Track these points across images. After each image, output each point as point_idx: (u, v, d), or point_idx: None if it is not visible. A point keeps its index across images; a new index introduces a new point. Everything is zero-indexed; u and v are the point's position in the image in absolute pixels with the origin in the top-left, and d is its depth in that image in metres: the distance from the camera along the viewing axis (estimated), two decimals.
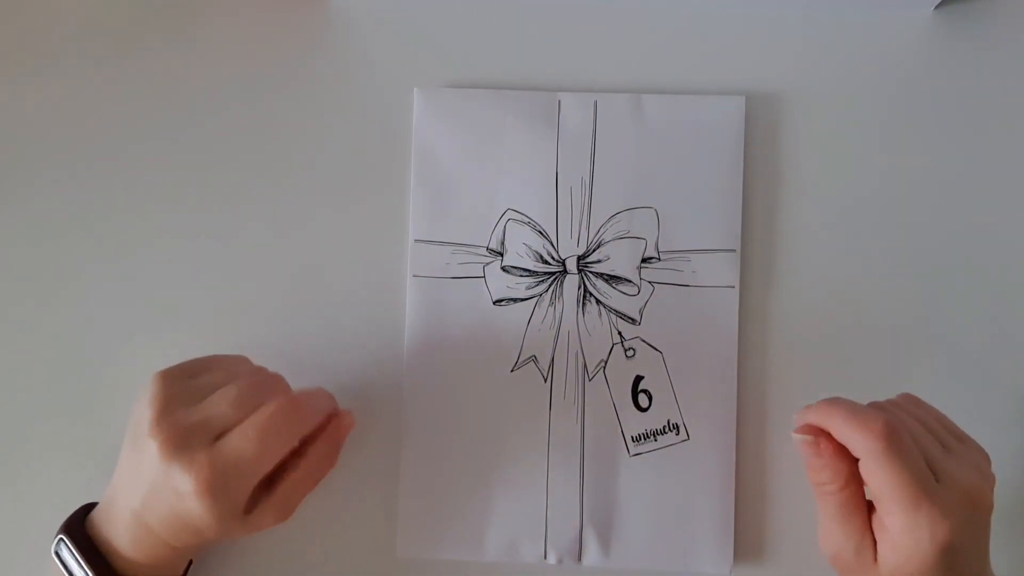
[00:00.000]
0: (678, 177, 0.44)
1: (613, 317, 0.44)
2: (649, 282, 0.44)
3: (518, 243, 0.44)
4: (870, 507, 0.36)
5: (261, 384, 0.37)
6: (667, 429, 0.43)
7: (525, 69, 0.45)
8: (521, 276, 0.44)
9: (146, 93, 0.46)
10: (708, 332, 0.43)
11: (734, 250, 0.44)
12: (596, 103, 0.44)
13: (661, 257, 0.44)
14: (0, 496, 0.44)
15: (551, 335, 0.44)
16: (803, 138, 0.45)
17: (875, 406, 0.38)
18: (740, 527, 0.43)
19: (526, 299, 0.44)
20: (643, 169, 0.44)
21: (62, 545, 0.37)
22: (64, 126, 0.46)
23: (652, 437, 0.43)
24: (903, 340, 0.44)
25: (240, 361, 0.40)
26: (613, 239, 0.44)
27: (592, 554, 0.43)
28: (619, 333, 0.44)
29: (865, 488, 0.36)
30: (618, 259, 0.44)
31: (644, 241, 0.44)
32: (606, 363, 0.44)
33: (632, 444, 0.43)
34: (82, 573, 0.36)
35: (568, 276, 0.44)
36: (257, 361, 0.41)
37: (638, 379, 0.43)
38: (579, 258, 0.44)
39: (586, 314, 0.44)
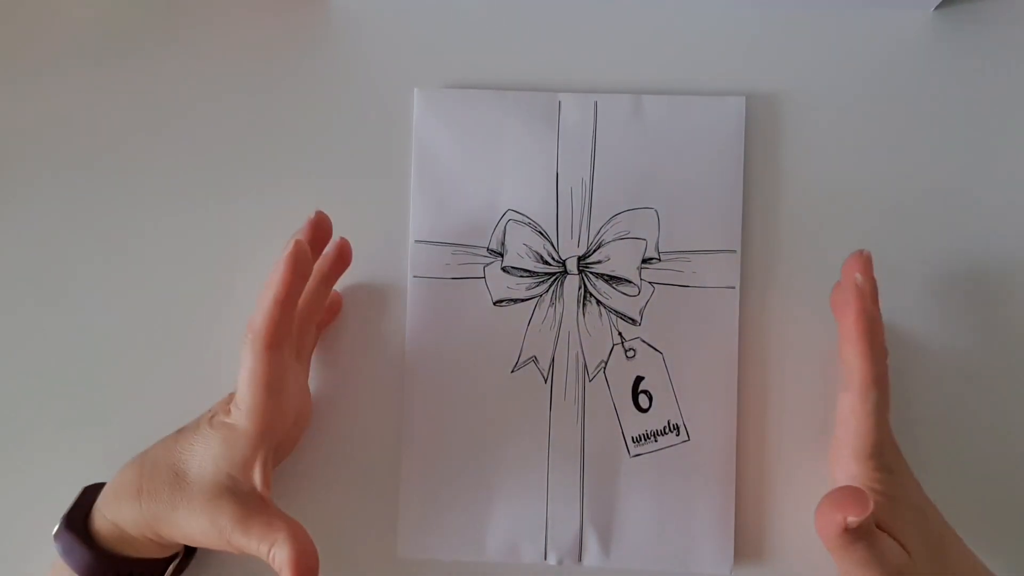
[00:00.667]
0: (678, 177, 0.44)
1: (613, 318, 0.44)
2: (649, 283, 0.44)
3: (518, 244, 0.44)
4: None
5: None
6: (667, 430, 0.43)
7: (525, 69, 0.45)
8: (521, 277, 0.44)
9: (146, 93, 0.46)
10: (708, 333, 0.43)
11: (734, 251, 0.44)
12: (596, 103, 0.44)
13: (661, 258, 0.44)
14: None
15: (551, 336, 0.44)
16: (803, 138, 0.45)
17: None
18: (740, 527, 0.43)
19: (526, 300, 0.44)
20: (643, 169, 0.44)
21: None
22: (64, 126, 0.46)
23: (652, 438, 0.43)
24: (903, 340, 0.44)
25: None
26: (613, 240, 0.44)
27: (592, 555, 0.43)
28: (619, 334, 0.44)
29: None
30: (618, 260, 0.44)
31: (644, 242, 0.44)
32: (606, 364, 0.44)
33: (632, 445, 0.43)
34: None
35: (568, 277, 0.44)
36: None
37: (638, 380, 0.43)
38: (579, 259, 0.44)
39: (586, 315, 0.44)
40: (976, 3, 0.45)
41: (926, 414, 0.43)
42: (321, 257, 0.41)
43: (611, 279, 0.44)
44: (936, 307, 0.44)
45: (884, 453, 0.37)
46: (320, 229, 0.40)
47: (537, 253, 0.44)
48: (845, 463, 0.37)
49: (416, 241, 0.44)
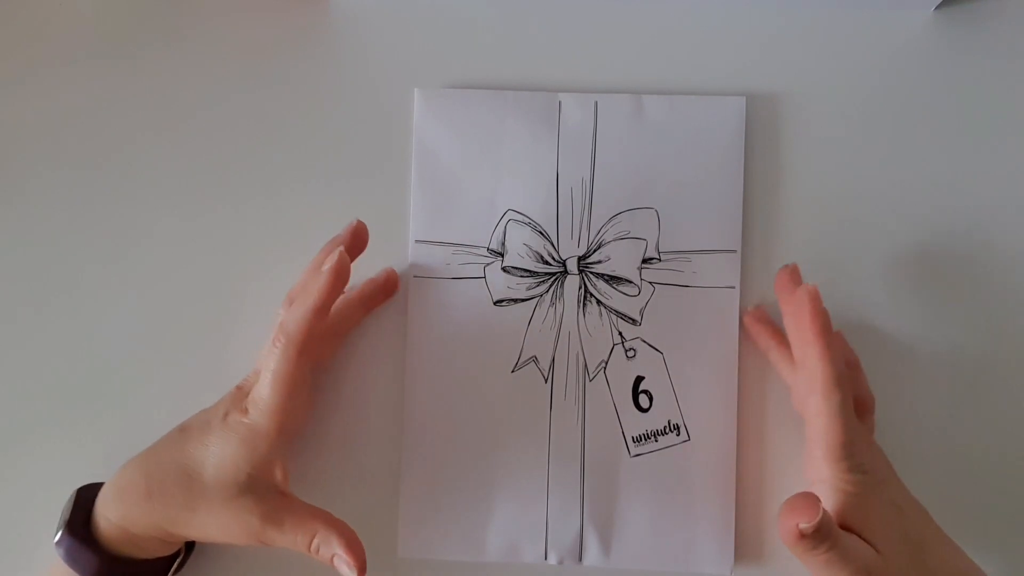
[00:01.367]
0: (678, 177, 0.44)
1: (614, 317, 0.44)
2: (650, 282, 0.44)
3: (519, 243, 0.44)
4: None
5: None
6: (668, 430, 0.43)
7: (525, 69, 0.45)
8: (522, 277, 0.44)
9: (146, 93, 0.46)
10: (709, 333, 0.43)
11: (735, 250, 0.44)
12: (596, 103, 0.44)
13: (662, 257, 0.44)
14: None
15: (552, 336, 0.44)
16: (803, 138, 0.45)
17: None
18: (740, 527, 0.43)
19: (527, 299, 0.44)
20: (644, 169, 0.44)
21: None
22: (64, 126, 0.46)
23: (653, 438, 0.43)
24: (903, 340, 0.44)
25: None
26: (614, 239, 0.44)
27: (593, 554, 0.43)
28: (620, 333, 0.44)
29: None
30: (619, 260, 0.44)
31: (645, 242, 0.44)
32: (607, 363, 0.44)
33: (633, 445, 0.43)
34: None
35: (569, 277, 0.44)
36: (257, 360, 0.41)
37: (639, 380, 0.43)
38: (580, 259, 0.44)
39: (587, 315, 0.44)
40: (976, 3, 0.46)
41: (924, 415, 0.43)
42: (369, 281, 0.43)
43: (611, 279, 0.44)
44: (936, 306, 0.44)
45: (856, 454, 0.37)
46: (358, 237, 0.41)
47: (537, 253, 0.44)
48: (817, 465, 0.37)
49: (416, 241, 0.44)
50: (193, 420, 0.39)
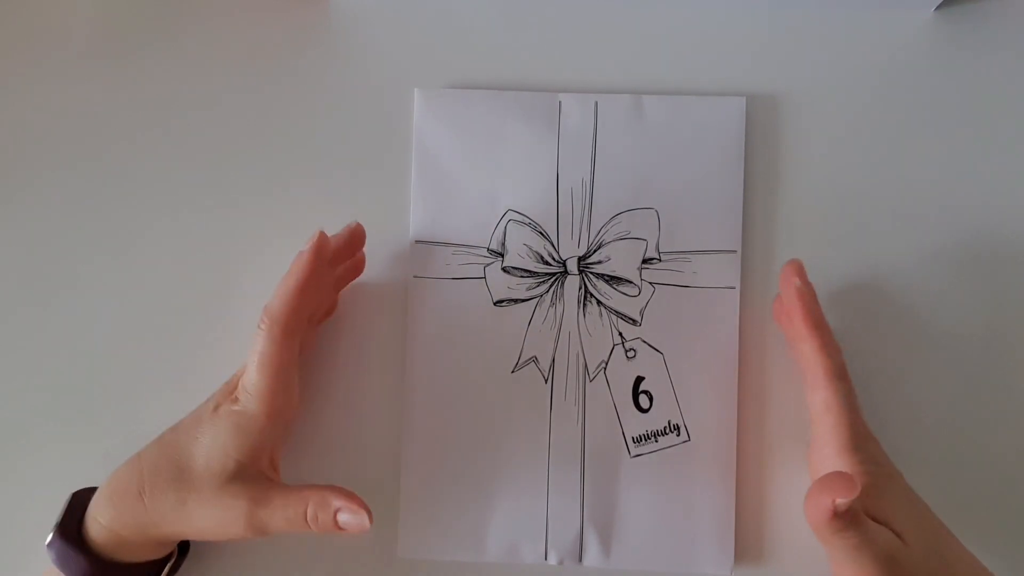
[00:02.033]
0: (679, 178, 0.44)
1: (614, 318, 0.44)
2: (650, 283, 0.44)
3: (519, 244, 0.44)
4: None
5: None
6: (668, 430, 0.43)
7: (525, 70, 0.45)
8: (522, 277, 0.44)
9: (146, 93, 0.46)
10: (709, 333, 0.43)
11: (735, 251, 0.44)
12: (597, 104, 0.44)
13: (662, 258, 0.44)
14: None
15: (552, 336, 0.44)
16: (803, 138, 0.45)
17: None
18: (741, 528, 0.43)
19: (527, 300, 0.44)
20: (644, 170, 0.44)
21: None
22: (64, 126, 0.46)
23: (653, 438, 0.43)
24: (903, 339, 0.44)
25: None
26: (614, 240, 0.44)
27: (593, 555, 0.43)
28: (620, 334, 0.44)
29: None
30: (619, 260, 0.44)
31: (645, 242, 0.44)
32: (607, 364, 0.44)
33: (633, 445, 0.43)
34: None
35: (569, 277, 0.44)
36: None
37: (639, 380, 0.43)
38: (580, 259, 0.44)
39: (587, 315, 0.44)
40: (976, 3, 0.46)
41: (925, 413, 0.43)
42: (335, 236, 0.43)
43: (611, 279, 0.44)
44: (936, 306, 0.44)
45: (866, 446, 0.37)
46: (355, 238, 0.42)
47: (537, 253, 0.44)
48: (829, 462, 0.37)
49: (416, 241, 0.44)
50: (185, 418, 0.40)
